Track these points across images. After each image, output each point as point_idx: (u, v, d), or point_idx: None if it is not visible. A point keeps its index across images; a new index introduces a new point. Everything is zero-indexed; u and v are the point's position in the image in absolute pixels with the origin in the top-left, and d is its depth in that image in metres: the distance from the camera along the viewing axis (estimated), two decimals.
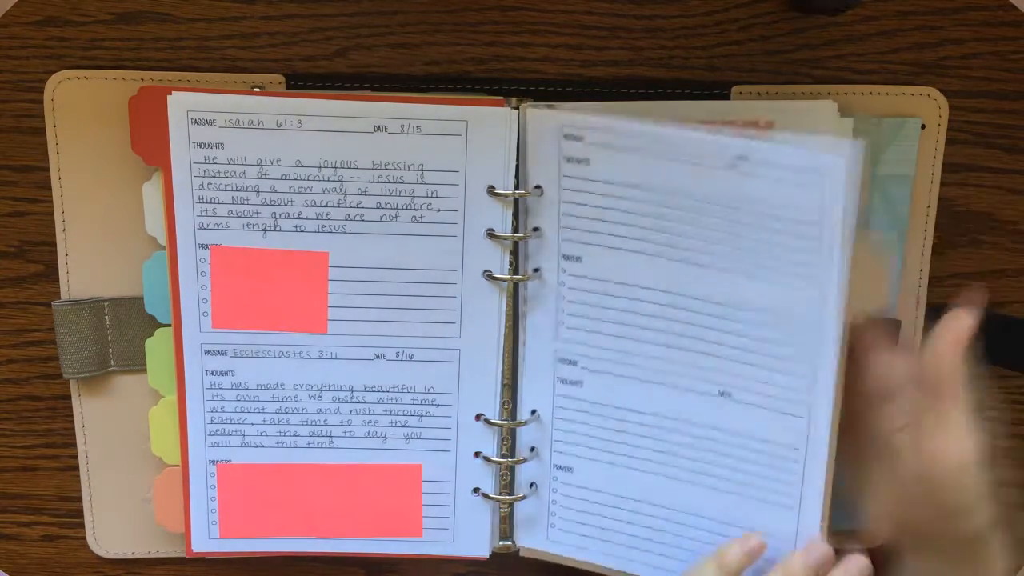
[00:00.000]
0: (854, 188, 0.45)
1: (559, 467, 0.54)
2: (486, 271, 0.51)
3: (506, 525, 0.56)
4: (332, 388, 0.53)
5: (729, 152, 0.46)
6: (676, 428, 0.51)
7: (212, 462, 0.53)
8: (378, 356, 0.52)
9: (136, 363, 0.54)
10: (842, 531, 0.57)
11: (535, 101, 0.50)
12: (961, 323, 0.48)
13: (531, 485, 0.54)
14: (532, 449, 0.54)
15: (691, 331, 0.50)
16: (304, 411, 0.53)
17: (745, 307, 0.48)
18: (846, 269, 0.46)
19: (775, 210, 0.46)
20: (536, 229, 0.51)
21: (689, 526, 0.52)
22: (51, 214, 0.52)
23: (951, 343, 0.48)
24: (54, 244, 0.53)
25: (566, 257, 0.51)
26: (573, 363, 0.52)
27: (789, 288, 0.47)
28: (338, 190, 0.50)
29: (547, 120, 0.49)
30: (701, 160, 0.47)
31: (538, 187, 0.50)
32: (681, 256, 0.49)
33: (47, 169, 0.52)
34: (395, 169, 0.50)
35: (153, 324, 0.53)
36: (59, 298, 0.53)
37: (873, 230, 0.53)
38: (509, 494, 0.55)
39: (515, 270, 0.52)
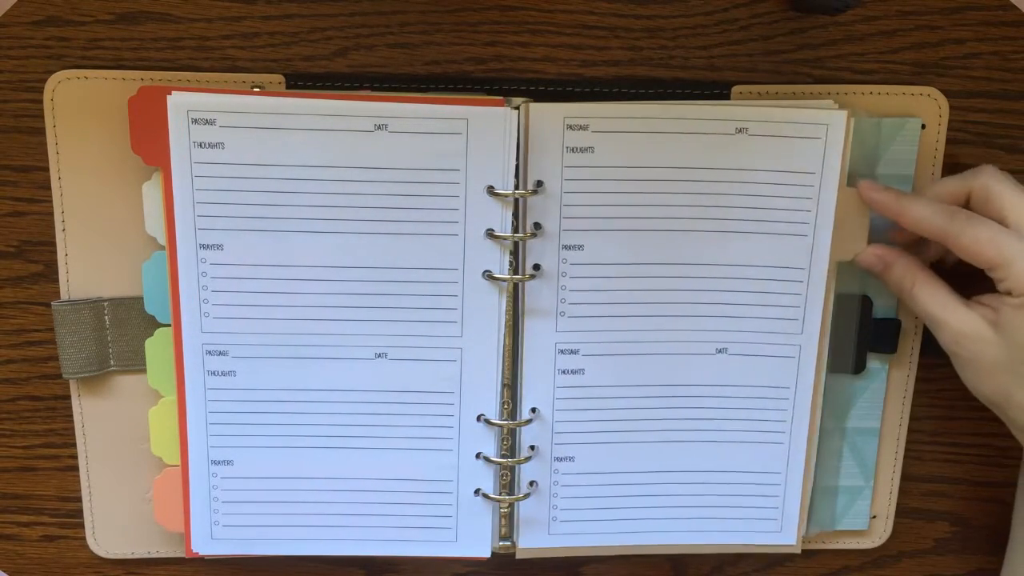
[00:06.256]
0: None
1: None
2: (486, 271, 0.51)
3: (506, 525, 0.56)
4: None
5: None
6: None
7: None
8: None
9: (136, 363, 0.54)
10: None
11: (535, 101, 0.50)
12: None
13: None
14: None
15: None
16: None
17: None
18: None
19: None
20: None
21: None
22: (51, 214, 0.52)
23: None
24: (54, 244, 0.53)
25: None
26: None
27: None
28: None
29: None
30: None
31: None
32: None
33: (47, 169, 0.52)
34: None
35: (153, 324, 0.53)
36: (59, 298, 0.53)
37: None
38: (509, 494, 0.55)
39: (515, 270, 0.52)
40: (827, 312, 0.53)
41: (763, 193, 0.51)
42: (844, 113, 0.50)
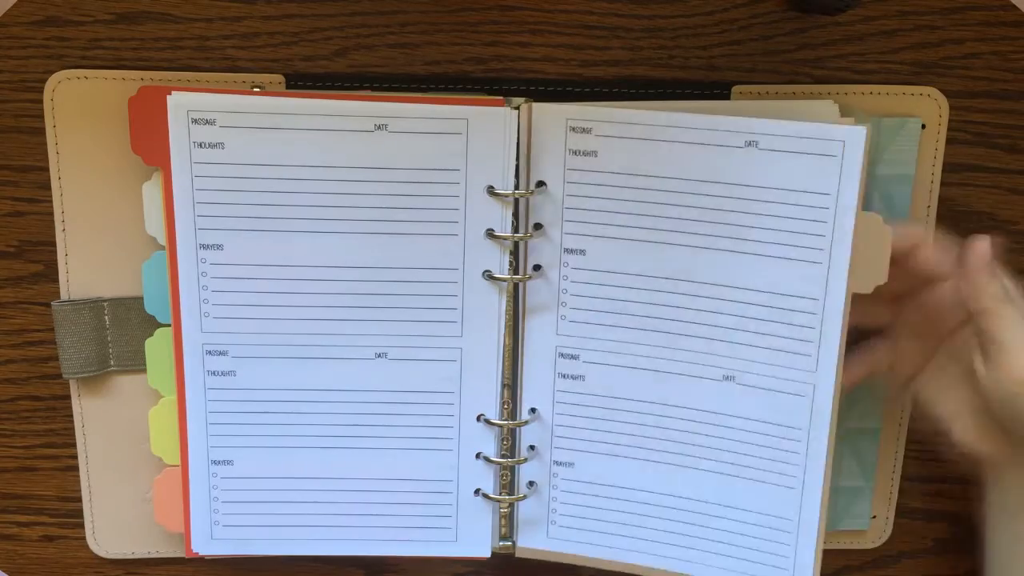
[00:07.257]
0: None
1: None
2: (486, 271, 0.51)
3: (506, 525, 0.56)
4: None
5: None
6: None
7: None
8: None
9: (136, 363, 0.54)
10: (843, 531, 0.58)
11: (535, 101, 0.50)
12: (981, 246, 0.49)
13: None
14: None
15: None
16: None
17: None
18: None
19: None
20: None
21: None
22: (51, 214, 0.52)
23: (980, 266, 0.49)
24: (54, 244, 0.53)
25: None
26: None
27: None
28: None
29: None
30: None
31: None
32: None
33: (47, 169, 0.52)
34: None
35: (153, 324, 0.53)
36: (59, 298, 0.53)
37: (871, 212, 0.51)
38: (509, 494, 0.55)
39: (515, 270, 0.52)
40: (843, 350, 0.50)
41: (773, 213, 0.49)
42: (864, 129, 0.47)
